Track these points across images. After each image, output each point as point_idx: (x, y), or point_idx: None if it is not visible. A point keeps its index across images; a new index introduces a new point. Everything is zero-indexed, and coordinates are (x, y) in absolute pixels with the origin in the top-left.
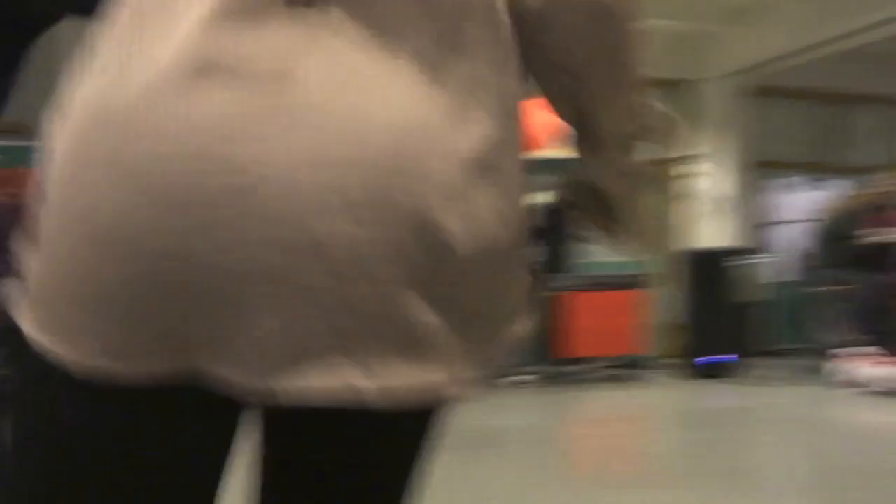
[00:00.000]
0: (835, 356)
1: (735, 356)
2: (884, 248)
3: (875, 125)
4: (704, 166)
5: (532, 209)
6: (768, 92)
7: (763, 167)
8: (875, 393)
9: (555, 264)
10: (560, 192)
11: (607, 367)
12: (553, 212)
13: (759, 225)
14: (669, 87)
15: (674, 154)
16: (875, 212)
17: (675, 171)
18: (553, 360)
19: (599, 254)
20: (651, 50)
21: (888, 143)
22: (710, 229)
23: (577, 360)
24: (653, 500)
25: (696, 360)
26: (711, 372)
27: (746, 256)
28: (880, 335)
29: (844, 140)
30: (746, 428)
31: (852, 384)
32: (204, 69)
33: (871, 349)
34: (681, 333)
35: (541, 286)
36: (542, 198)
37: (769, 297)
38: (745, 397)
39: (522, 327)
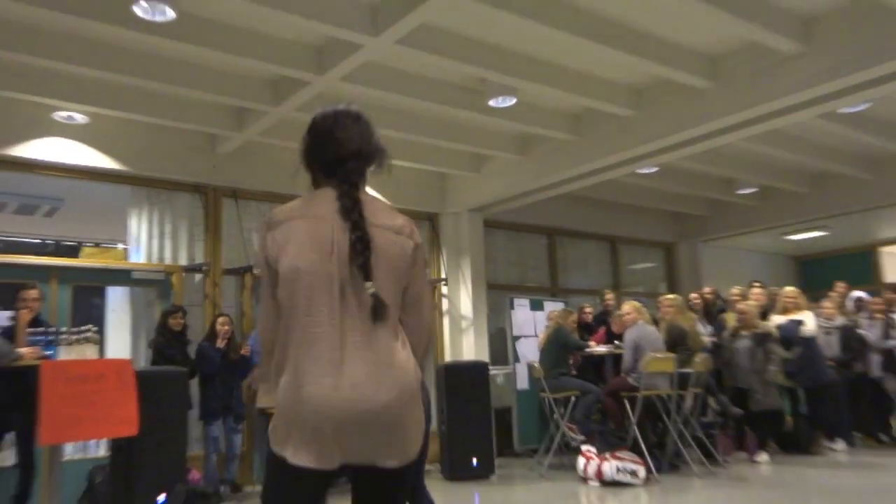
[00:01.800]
0: (580, 452)
1: (487, 459)
2: (601, 359)
3: (583, 255)
4: (445, 288)
5: None
6: (497, 225)
7: (494, 290)
8: (605, 484)
9: None
10: None
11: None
12: None
13: (499, 339)
14: (423, 218)
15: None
16: (594, 327)
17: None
18: None
19: None
20: (406, 188)
21: (594, 271)
22: (460, 344)
23: None
24: None
25: (455, 462)
26: (468, 475)
27: (492, 368)
28: (599, 434)
29: (558, 267)
30: None
31: (587, 478)
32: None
33: (595, 447)
34: (437, 440)
35: None
36: None
37: (514, 403)
38: (497, 497)
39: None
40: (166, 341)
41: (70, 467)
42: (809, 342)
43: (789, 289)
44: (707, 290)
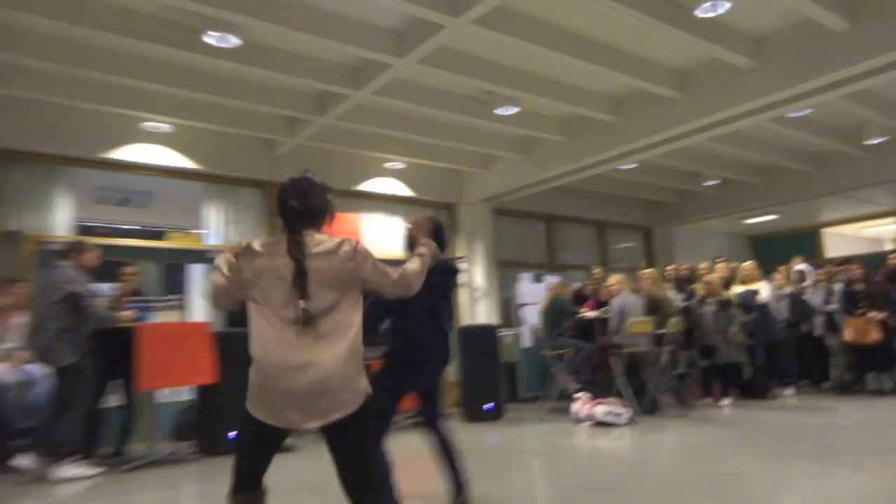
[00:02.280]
0: (573, 399)
1: (495, 404)
2: (591, 322)
3: (575, 237)
4: (464, 265)
5: None
6: (504, 213)
7: (502, 266)
8: (595, 425)
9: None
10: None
11: (408, 417)
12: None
13: (506, 306)
14: (443, 207)
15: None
16: (585, 296)
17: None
18: None
19: None
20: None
21: (585, 250)
22: (475, 311)
23: None
24: None
25: (471, 407)
26: (482, 417)
27: (501, 330)
28: (590, 384)
29: (555, 246)
30: (506, 458)
31: (580, 420)
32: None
33: (587, 394)
34: (457, 388)
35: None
36: None
37: (519, 358)
38: (506, 435)
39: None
40: (238, 310)
41: (163, 408)
42: (764, 307)
43: (747, 263)
44: (684, 266)
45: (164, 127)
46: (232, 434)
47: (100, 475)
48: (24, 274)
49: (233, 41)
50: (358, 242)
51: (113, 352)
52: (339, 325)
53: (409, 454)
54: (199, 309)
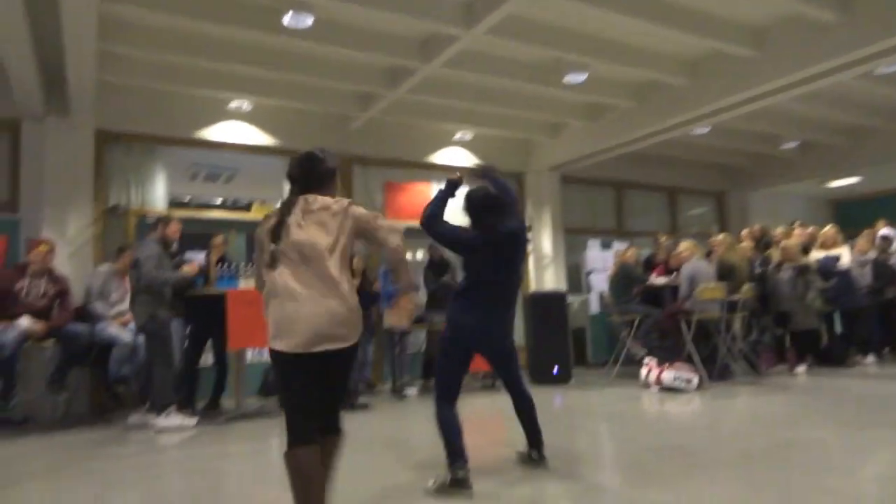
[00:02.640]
0: (642, 364)
1: (563, 368)
2: (660, 289)
3: (645, 203)
4: (530, 233)
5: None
6: (572, 180)
7: (570, 233)
8: (663, 390)
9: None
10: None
11: (483, 378)
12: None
13: (574, 273)
14: (511, 177)
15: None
16: (655, 263)
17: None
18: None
19: None
20: (498, 152)
21: (655, 216)
22: (543, 277)
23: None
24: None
25: (539, 371)
26: (550, 380)
27: (569, 296)
28: (659, 349)
29: (624, 213)
30: (574, 421)
31: (648, 385)
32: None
33: (654, 360)
34: (525, 352)
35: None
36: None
37: (587, 324)
38: (574, 399)
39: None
40: None
41: (251, 367)
42: (845, 273)
43: (827, 228)
44: (756, 226)
45: (246, 106)
46: None
47: (197, 426)
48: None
49: (308, 21)
50: (351, 204)
51: (208, 316)
52: (333, 272)
53: (479, 414)
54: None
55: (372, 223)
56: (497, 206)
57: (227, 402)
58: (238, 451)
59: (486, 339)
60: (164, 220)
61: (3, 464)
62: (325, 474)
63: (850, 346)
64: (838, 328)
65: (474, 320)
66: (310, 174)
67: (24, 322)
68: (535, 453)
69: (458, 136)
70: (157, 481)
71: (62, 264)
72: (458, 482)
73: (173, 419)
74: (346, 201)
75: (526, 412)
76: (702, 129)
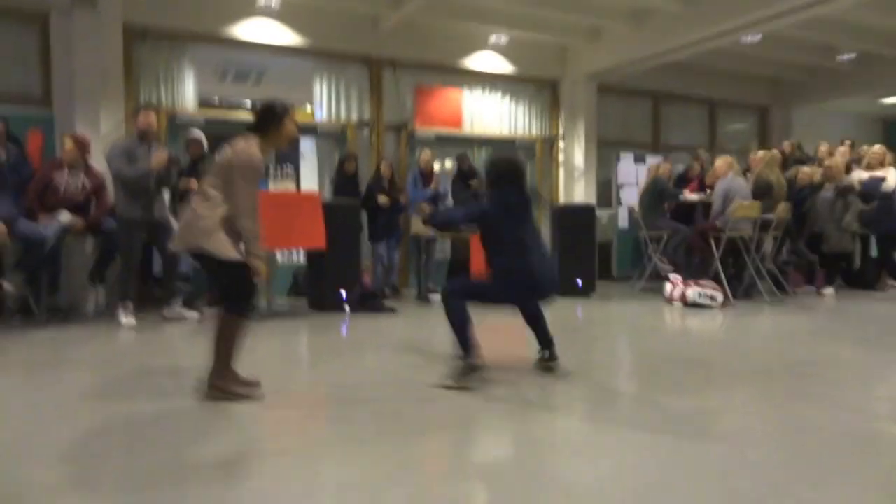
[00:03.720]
0: (666, 280)
1: (587, 281)
2: (692, 206)
3: (683, 116)
4: (562, 143)
5: None
6: (608, 90)
7: (603, 145)
8: (687, 306)
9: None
10: None
11: None
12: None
13: (606, 187)
14: (546, 85)
15: (548, 135)
16: (689, 179)
17: (551, 148)
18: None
19: None
20: (533, 58)
21: (693, 130)
22: (573, 190)
23: None
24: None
25: (563, 282)
26: (574, 292)
27: (597, 210)
28: (686, 268)
29: (661, 126)
30: (593, 332)
31: (672, 300)
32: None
33: (680, 276)
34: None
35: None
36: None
37: (615, 238)
38: (596, 311)
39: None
40: (342, 181)
41: (281, 269)
42: (891, 196)
43: (876, 147)
44: (787, 143)
45: (275, 3)
46: (343, 295)
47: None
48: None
49: None
50: (240, 154)
51: None
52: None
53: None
54: (308, 180)
55: (237, 198)
56: (517, 175)
57: (259, 301)
58: (269, 346)
59: (540, 284)
60: (135, 112)
61: (57, 347)
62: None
63: (883, 270)
64: (874, 252)
65: (525, 270)
66: (258, 121)
67: (65, 217)
68: (546, 353)
69: (492, 39)
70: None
71: (97, 161)
72: (472, 368)
73: (179, 310)
74: (230, 154)
75: (536, 319)
76: (752, 37)
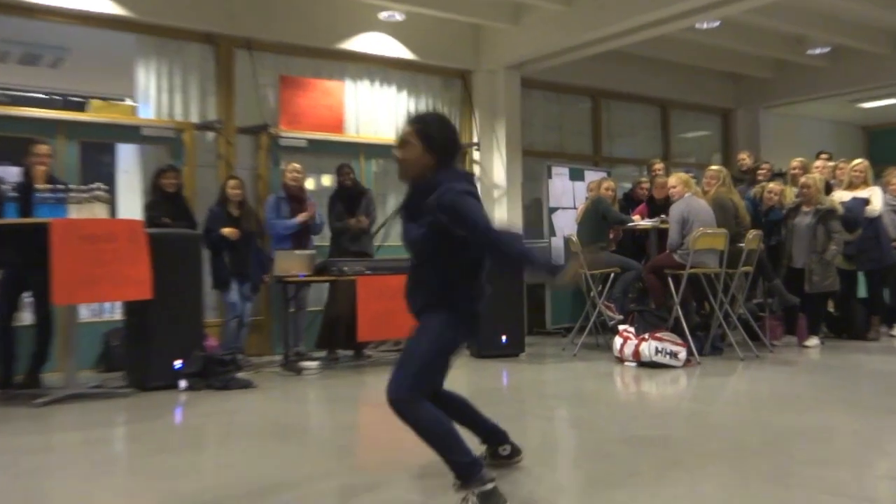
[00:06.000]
0: (616, 333)
1: (513, 337)
2: (643, 234)
3: (631, 121)
4: (477, 154)
5: None
6: (535, 85)
7: (530, 156)
8: (642, 366)
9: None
10: None
11: (393, 349)
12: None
13: (534, 210)
14: (454, 76)
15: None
16: (637, 199)
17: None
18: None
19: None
20: (437, 41)
21: (643, 138)
22: (494, 215)
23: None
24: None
25: (482, 340)
26: (497, 353)
27: (526, 240)
28: (638, 314)
29: (603, 133)
30: (525, 405)
31: (624, 359)
32: None
33: (634, 327)
34: None
35: None
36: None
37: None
38: (527, 376)
39: None
40: (156, 203)
41: (86, 329)
42: (875, 222)
43: (858, 161)
44: (744, 154)
45: None
46: (178, 366)
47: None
48: None
49: None
50: None
51: (21, 257)
52: None
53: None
54: (130, 203)
55: None
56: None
57: (52, 376)
58: (66, 441)
59: (477, 327)
60: None
61: None
62: None
63: (874, 315)
64: (861, 292)
65: (479, 307)
66: None
67: None
68: (507, 448)
69: (383, 15)
70: None
71: None
72: (491, 498)
73: None
74: None
75: (464, 409)
76: (710, 24)
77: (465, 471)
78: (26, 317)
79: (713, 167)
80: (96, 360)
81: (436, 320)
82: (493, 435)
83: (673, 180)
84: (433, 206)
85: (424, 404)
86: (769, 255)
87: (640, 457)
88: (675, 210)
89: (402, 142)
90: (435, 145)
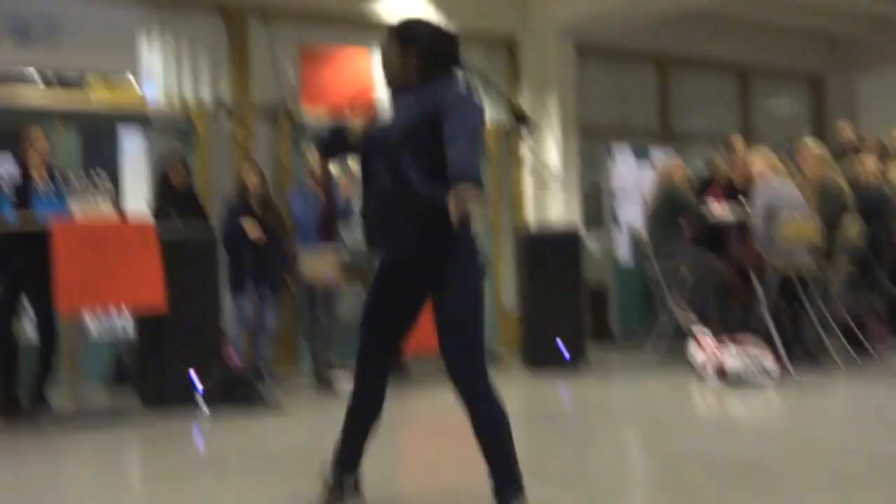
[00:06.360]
0: (693, 341)
1: (574, 347)
2: (723, 224)
3: (703, 91)
4: (527, 132)
5: None
6: (592, 52)
7: (588, 135)
8: (725, 379)
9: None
10: None
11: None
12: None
13: (594, 199)
14: (498, 42)
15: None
16: (714, 183)
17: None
18: None
19: None
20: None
21: (717, 110)
22: (546, 205)
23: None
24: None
25: (537, 350)
26: (554, 365)
27: (585, 235)
28: (715, 319)
29: (670, 105)
30: (586, 425)
31: (703, 373)
32: None
33: (713, 334)
34: (518, 323)
35: None
36: None
37: (612, 279)
38: (589, 392)
39: None
40: (169, 202)
41: (95, 346)
42: None
43: None
44: (845, 124)
45: None
46: (193, 379)
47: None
48: None
49: None
50: None
51: (21, 263)
52: None
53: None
54: (137, 195)
55: None
56: None
57: (57, 393)
58: (74, 474)
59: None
60: None
61: None
62: None
63: None
64: None
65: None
66: None
67: None
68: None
69: None
70: None
71: None
72: None
73: None
74: None
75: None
76: None
77: (521, 477)
78: (29, 329)
79: (810, 142)
80: (106, 376)
81: (471, 272)
82: (358, 459)
83: (755, 159)
84: (432, 97)
85: (496, 405)
86: (873, 246)
87: (727, 484)
88: (759, 196)
89: (382, 49)
90: (415, 43)
